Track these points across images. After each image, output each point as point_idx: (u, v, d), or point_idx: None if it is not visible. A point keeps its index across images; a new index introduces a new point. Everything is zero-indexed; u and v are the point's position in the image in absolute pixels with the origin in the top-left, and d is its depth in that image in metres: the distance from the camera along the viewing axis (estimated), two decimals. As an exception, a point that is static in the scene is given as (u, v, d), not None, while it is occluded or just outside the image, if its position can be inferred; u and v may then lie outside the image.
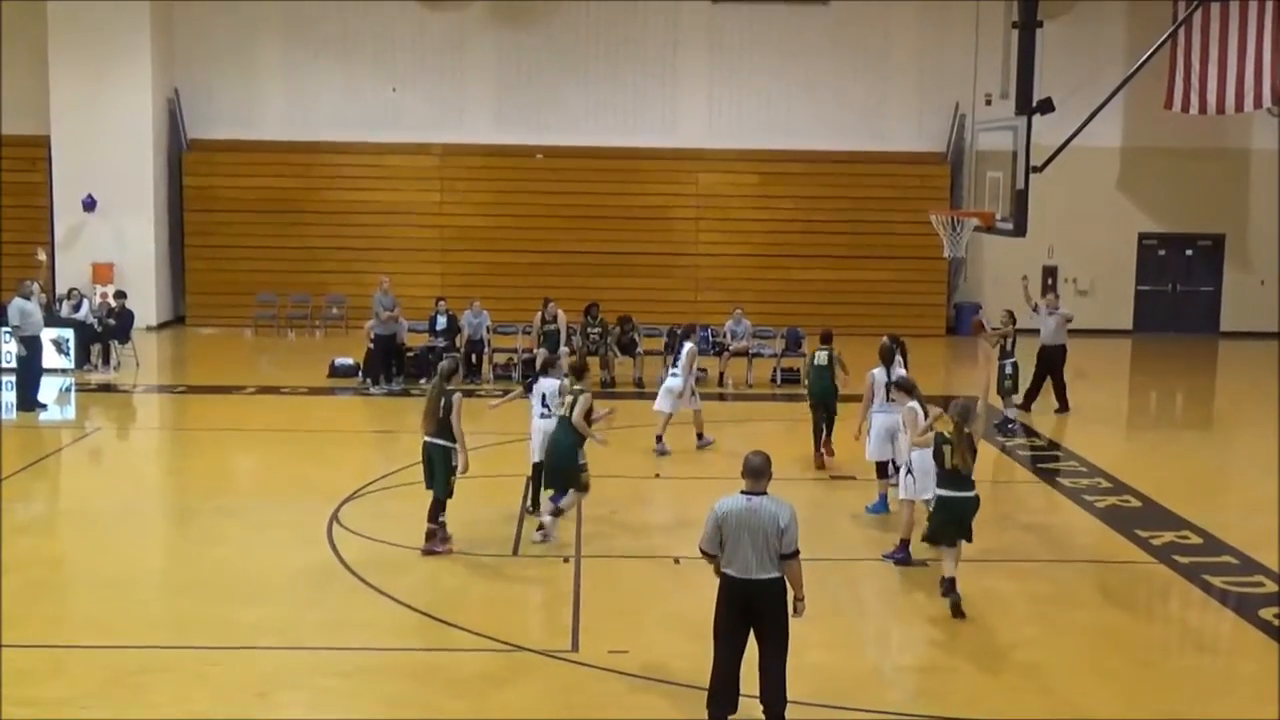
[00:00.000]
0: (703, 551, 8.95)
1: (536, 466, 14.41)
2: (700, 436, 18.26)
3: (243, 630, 10.97)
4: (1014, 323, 20.08)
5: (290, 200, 30.94)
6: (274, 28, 31.13)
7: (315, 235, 30.98)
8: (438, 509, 13.13)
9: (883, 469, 14.95)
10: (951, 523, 11.60)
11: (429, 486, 13.22)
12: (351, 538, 13.59)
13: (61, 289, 27.08)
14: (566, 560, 13.01)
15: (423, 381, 23.15)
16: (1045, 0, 18.47)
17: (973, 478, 11.63)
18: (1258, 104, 29.01)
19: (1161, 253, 32.64)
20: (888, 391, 14.72)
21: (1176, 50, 29.15)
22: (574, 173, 31.05)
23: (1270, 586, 12.59)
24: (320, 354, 25.41)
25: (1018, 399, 20.24)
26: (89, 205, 29.66)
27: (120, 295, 25.60)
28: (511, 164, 31.16)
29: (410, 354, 23.61)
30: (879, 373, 15.00)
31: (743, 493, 8.90)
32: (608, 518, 14.62)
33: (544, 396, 14.54)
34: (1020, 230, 17.16)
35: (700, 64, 31.48)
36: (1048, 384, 21.52)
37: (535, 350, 23.38)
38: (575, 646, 10.73)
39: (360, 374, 23.27)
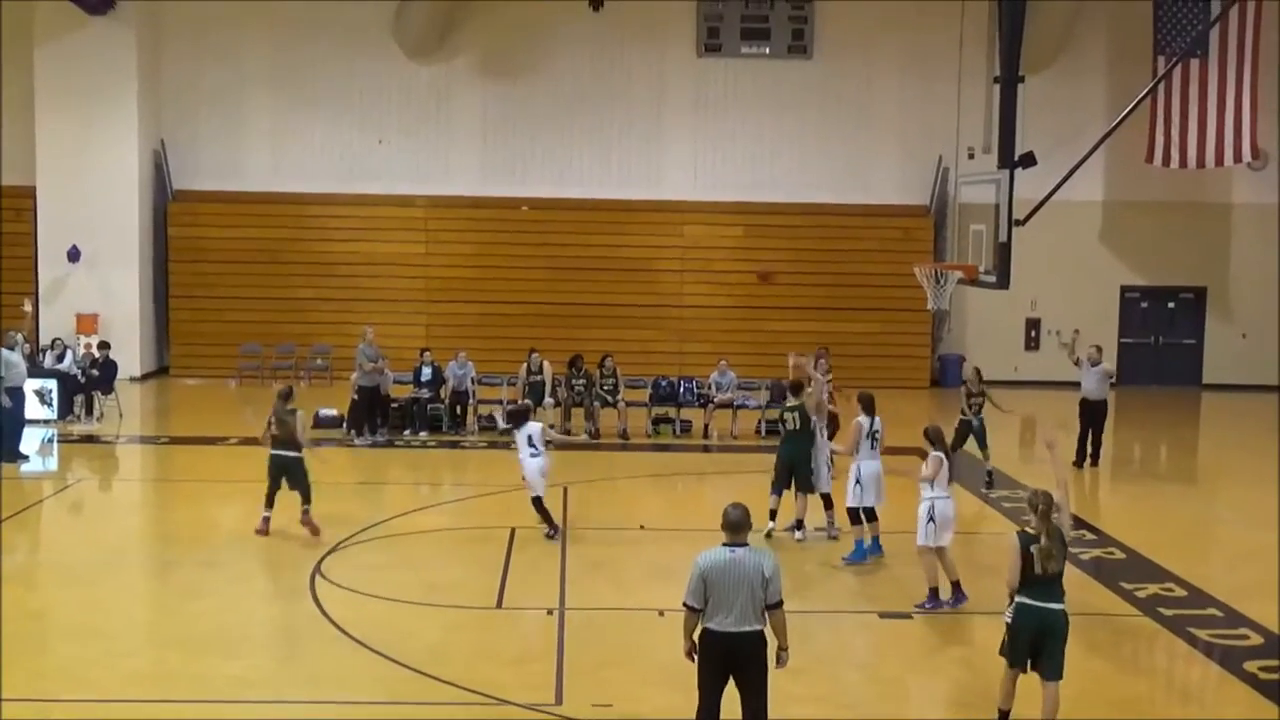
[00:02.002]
0: (687, 606, 8.88)
1: (536, 500, 15.78)
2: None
3: (224, 684, 10.89)
4: (981, 379, 19.79)
5: (275, 251, 30.97)
6: (260, 80, 31.26)
7: (300, 286, 30.99)
8: (306, 501, 15.65)
9: (856, 515, 15.01)
10: (1031, 637, 9.81)
11: (278, 488, 15.77)
12: (334, 590, 13.52)
13: (45, 339, 27.02)
14: (550, 613, 12.97)
15: (406, 433, 23.19)
16: (1027, 55, 18.66)
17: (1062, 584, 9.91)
18: (1237, 158, 29.32)
19: (1144, 305, 32.80)
20: (872, 440, 14.88)
21: (1157, 105, 29.42)
22: (559, 224, 31.15)
23: (1255, 639, 12.58)
24: (305, 405, 25.16)
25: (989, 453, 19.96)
26: (74, 256, 29.65)
27: (104, 346, 25.56)
28: (496, 216, 31.25)
29: (395, 405, 23.59)
30: (864, 420, 15.04)
31: (724, 545, 8.87)
32: (591, 570, 14.59)
33: (530, 438, 15.72)
34: (1003, 283, 17.26)
35: (685, 117, 31.67)
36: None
37: (520, 401, 23.38)
38: (559, 700, 10.67)
39: (344, 425, 23.23)
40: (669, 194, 31.56)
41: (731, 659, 8.78)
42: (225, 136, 31.30)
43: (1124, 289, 32.58)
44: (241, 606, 13.19)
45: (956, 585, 13.30)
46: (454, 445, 22.86)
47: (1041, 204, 17.34)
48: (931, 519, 13.08)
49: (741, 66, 31.50)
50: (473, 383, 24.04)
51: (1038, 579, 9.68)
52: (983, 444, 19.75)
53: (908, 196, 31.64)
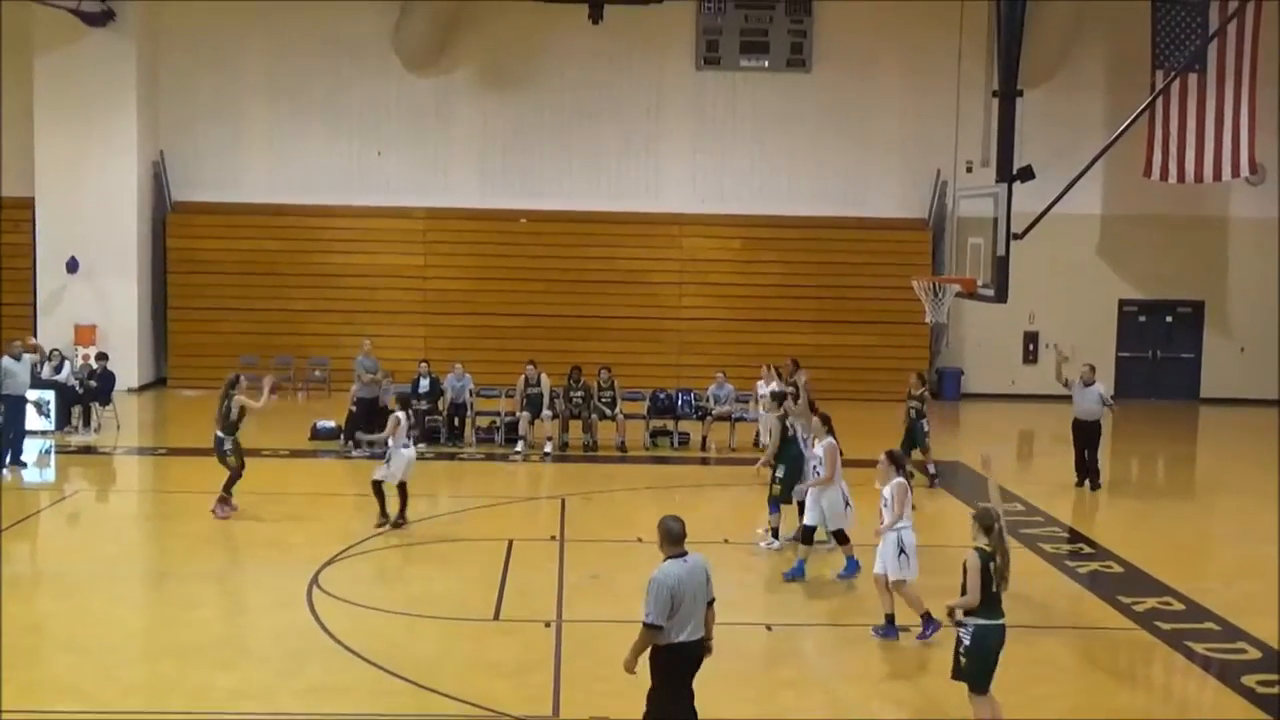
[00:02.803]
0: (653, 626, 8.69)
1: (384, 487, 16.83)
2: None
3: (221, 696, 10.88)
4: (924, 385, 20.92)
5: (274, 263, 30.98)
6: (259, 92, 31.30)
7: (298, 298, 31.00)
8: (234, 483, 17.42)
9: (843, 535, 14.93)
10: (991, 658, 9.74)
11: (227, 464, 17.46)
12: (332, 602, 13.51)
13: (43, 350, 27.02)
14: (548, 625, 12.95)
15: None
16: (1026, 69, 18.69)
17: None
18: (1235, 173, 29.35)
19: (1142, 319, 32.82)
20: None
21: (1155, 119, 29.46)
22: (557, 237, 31.18)
23: (1253, 653, 12.57)
24: (302, 416, 25.35)
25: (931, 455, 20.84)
26: (72, 267, 29.64)
27: (102, 357, 25.54)
28: (495, 228, 31.27)
29: (392, 417, 23.57)
30: (835, 441, 14.99)
31: (674, 558, 8.87)
32: (588, 582, 14.58)
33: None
34: (1001, 296, 17.26)
35: (684, 129, 31.71)
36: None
37: (518, 413, 23.40)
38: (556, 712, 10.66)
39: (342, 437, 23.22)
40: (667, 206, 31.59)
41: (692, 669, 8.85)
42: (224, 148, 31.32)
43: (1122, 303, 32.61)
44: (238, 618, 13.18)
45: (927, 616, 12.78)
46: (451, 457, 22.85)
47: (1039, 218, 17.35)
48: (902, 550, 12.65)
49: (740, 79, 31.55)
50: (471, 395, 24.03)
51: (994, 597, 9.64)
52: (922, 444, 20.47)
53: (906, 210, 31.68)
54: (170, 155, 31.00)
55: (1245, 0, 28.07)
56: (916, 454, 20.31)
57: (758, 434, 24.05)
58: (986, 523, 9.72)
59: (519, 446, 23.14)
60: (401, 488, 16.87)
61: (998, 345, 31.99)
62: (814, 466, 15.10)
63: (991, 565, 9.60)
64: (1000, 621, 9.66)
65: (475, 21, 31.03)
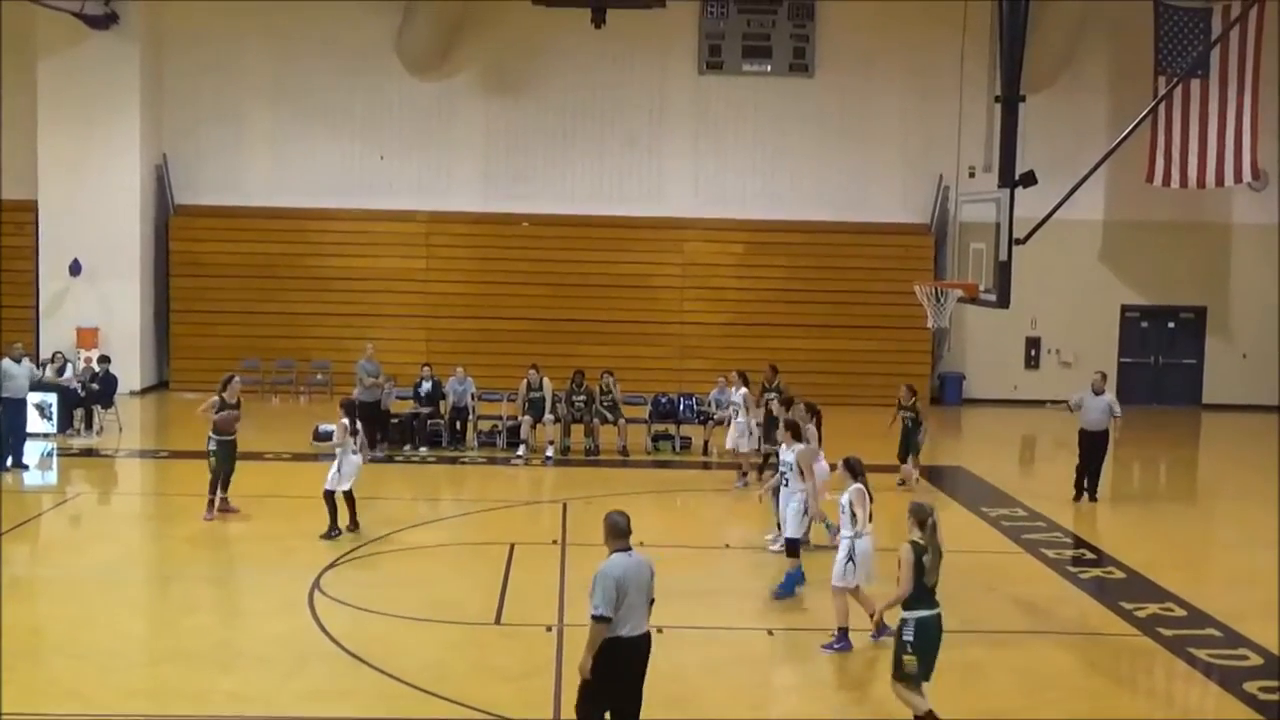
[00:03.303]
0: (601, 618, 8.72)
1: (336, 494, 16.56)
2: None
3: (222, 699, 10.87)
4: (915, 395, 21.09)
5: (276, 266, 31.00)
6: (262, 95, 31.32)
7: (301, 301, 31.01)
8: (214, 485, 17.48)
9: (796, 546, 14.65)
10: (935, 649, 10.13)
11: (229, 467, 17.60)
12: (333, 605, 13.50)
13: (46, 353, 27.04)
14: (549, 629, 12.94)
15: (406, 448, 23.17)
16: (1028, 74, 18.66)
17: None
18: (1238, 179, 29.37)
19: (1144, 325, 32.81)
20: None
21: (1158, 125, 29.46)
22: (560, 241, 31.18)
23: (1255, 659, 12.56)
24: (304, 420, 25.34)
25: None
26: (75, 269, 29.66)
27: (104, 360, 25.57)
28: (497, 231, 31.28)
29: (394, 420, 23.60)
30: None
31: (620, 551, 8.91)
32: (589, 586, 14.54)
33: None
34: (1003, 302, 17.24)
35: (686, 134, 31.72)
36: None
37: (520, 417, 23.40)
38: (558, 716, 10.64)
39: (344, 440, 23.20)
40: (670, 210, 31.59)
41: (637, 665, 8.83)
42: (227, 151, 31.34)
43: (1124, 308, 32.59)
44: (239, 621, 13.18)
45: (879, 622, 12.36)
46: (453, 461, 22.85)
47: (1042, 223, 17.32)
48: (851, 559, 12.46)
49: (743, 84, 31.55)
50: (473, 398, 24.02)
51: (927, 589, 10.03)
52: (915, 451, 20.79)
53: (908, 214, 31.67)
54: (173, 158, 31.02)
55: (1248, 6, 28.09)
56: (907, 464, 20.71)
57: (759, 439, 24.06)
58: (920, 517, 10.18)
59: (521, 450, 23.14)
60: (348, 495, 16.65)
61: (999, 351, 31.99)
62: (783, 473, 15.00)
63: (925, 558, 9.99)
64: (937, 611, 10.07)
65: (478, 25, 31.05)
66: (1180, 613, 14.14)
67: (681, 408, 24.69)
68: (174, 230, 31.01)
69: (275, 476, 21.00)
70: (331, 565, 15.11)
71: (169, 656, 12.12)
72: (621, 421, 23.69)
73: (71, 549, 17.03)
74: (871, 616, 11.89)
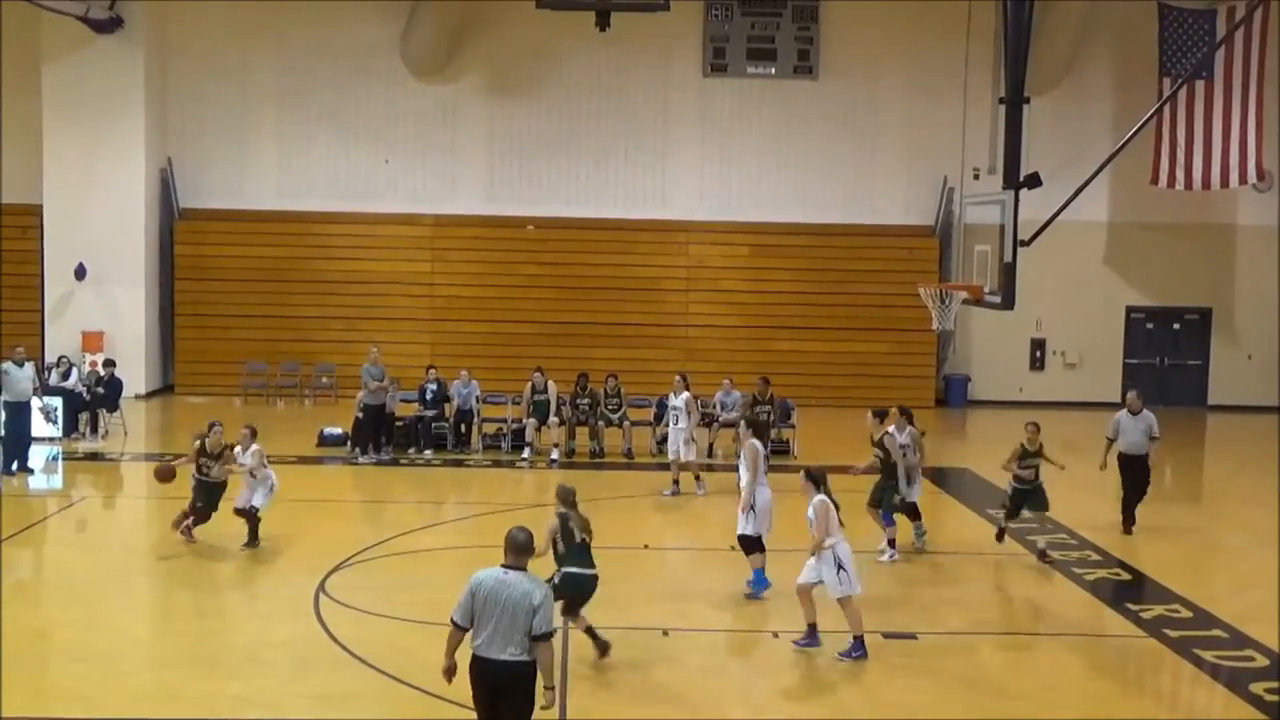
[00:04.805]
0: (453, 622, 8.58)
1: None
2: None
3: (228, 703, 10.88)
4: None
5: (281, 270, 31.02)
6: (267, 99, 31.35)
7: (305, 305, 31.03)
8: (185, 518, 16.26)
9: (754, 543, 14.49)
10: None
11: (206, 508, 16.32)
12: (338, 609, 13.51)
13: (51, 357, 27.06)
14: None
15: (411, 451, 23.18)
16: (1033, 76, 18.66)
17: None
18: (1243, 180, 29.36)
19: (1149, 326, 32.78)
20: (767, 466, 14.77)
21: (1162, 127, 29.44)
22: (565, 244, 31.19)
23: (1261, 661, 12.54)
24: (309, 423, 25.37)
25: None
26: (80, 274, 29.69)
27: (109, 364, 25.59)
28: (502, 235, 31.30)
29: (399, 424, 23.61)
30: (759, 444, 14.82)
31: (501, 566, 8.61)
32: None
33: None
34: (1008, 303, 17.25)
35: (691, 136, 31.72)
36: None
37: (525, 420, 23.41)
38: (562, 718, 10.64)
39: (349, 444, 23.24)
40: (674, 214, 31.59)
41: (497, 689, 8.45)
42: (232, 155, 31.37)
43: (1129, 310, 32.57)
44: (245, 625, 13.18)
45: (812, 628, 12.63)
46: (458, 464, 22.85)
47: (1046, 225, 17.32)
48: (842, 567, 12.29)
49: (747, 86, 31.56)
50: (477, 401, 24.03)
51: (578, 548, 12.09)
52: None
53: (913, 217, 31.66)
54: (178, 162, 31.06)
55: (1252, 7, 28.07)
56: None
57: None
58: (564, 496, 12.37)
59: (525, 453, 23.15)
60: (253, 512, 16.33)
61: (1004, 352, 31.97)
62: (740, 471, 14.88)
63: (572, 523, 12.24)
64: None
65: (482, 29, 31.08)
66: (1186, 614, 14.12)
67: (686, 410, 24.61)
68: (179, 234, 31.04)
69: (280, 480, 20.99)
70: (336, 569, 15.11)
71: (174, 660, 12.13)
72: (626, 424, 23.69)
73: (77, 553, 17.04)
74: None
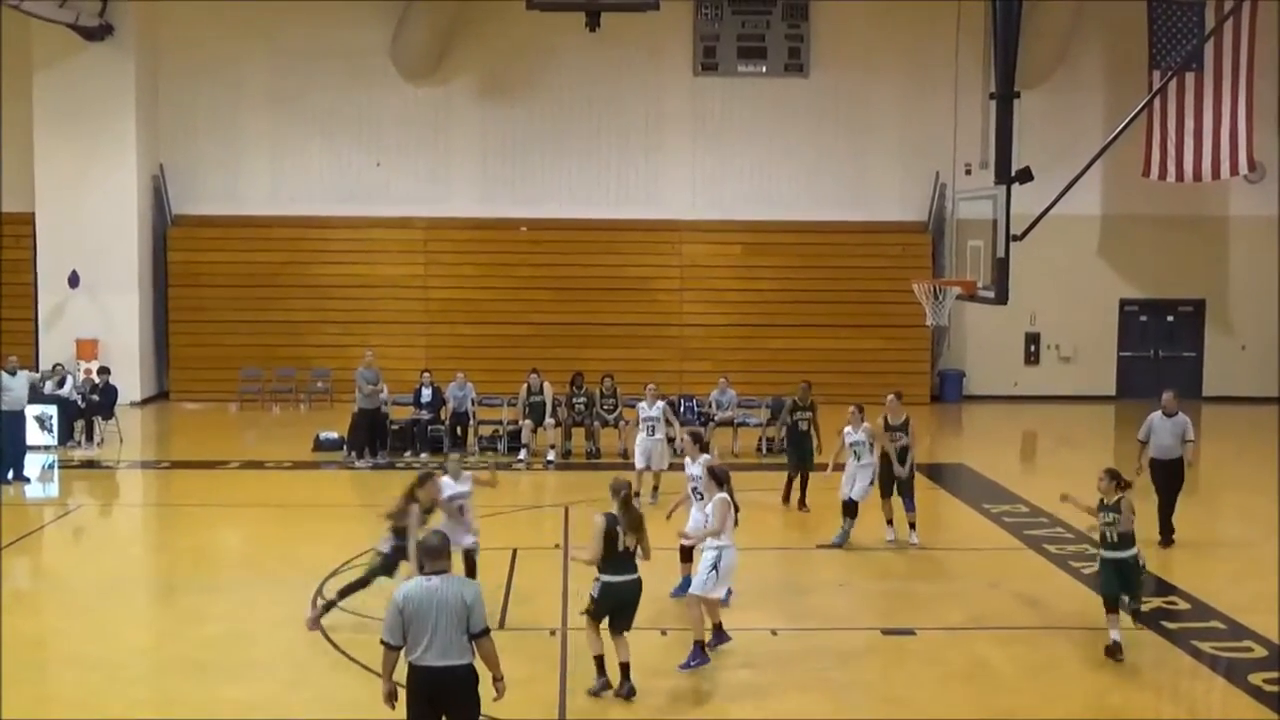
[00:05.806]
0: (384, 643, 8.43)
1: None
2: None
3: (228, 709, 10.88)
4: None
5: (275, 275, 31.01)
6: (259, 104, 31.33)
7: (300, 309, 31.01)
8: None
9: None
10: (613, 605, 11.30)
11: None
12: (337, 613, 13.46)
13: (45, 365, 27.03)
14: (552, 633, 12.94)
15: (407, 454, 23.16)
16: (1023, 71, 18.68)
17: None
18: (1234, 171, 29.39)
19: (1143, 319, 32.82)
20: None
21: (1153, 119, 29.48)
22: (558, 245, 31.18)
23: (1259, 652, 12.56)
24: (305, 428, 25.36)
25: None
26: (74, 281, 29.67)
27: (104, 371, 25.56)
28: (496, 237, 31.29)
29: (395, 427, 23.59)
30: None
31: (422, 574, 8.55)
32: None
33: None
34: (1002, 298, 17.25)
35: (683, 135, 31.73)
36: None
37: (521, 422, 23.40)
38: (562, 718, 10.64)
39: (345, 448, 23.23)
40: (667, 213, 31.60)
41: (440, 696, 8.36)
42: (224, 161, 31.35)
43: (1123, 302, 32.62)
44: (244, 631, 13.17)
45: (718, 628, 12.41)
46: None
47: (1039, 219, 17.32)
48: (715, 567, 12.09)
49: (738, 85, 31.57)
50: (473, 404, 24.02)
51: (619, 556, 11.11)
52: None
53: (906, 213, 31.68)
54: (170, 168, 31.03)
55: (1241, -1, 28.11)
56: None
57: (760, 440, 24.04)
58: (617, 490, 11.36)
59: (522, 455, 23.15)
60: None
61: (999, 347, 32.01)
62: (693, 487, 14.34)
63: (619, 528, 11.08)
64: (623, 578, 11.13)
65: (473, 31, 31.07)
66: (1184, 606, 14.15)
67: (682, 409, 24.64)
68: (172, 241, 31.03)
69: (276, 485, 21.02)
70: (334, 572, 15.09)
71: (174, 667, 12.12)
72: (622, 424, 23.69)
73: (74, 561, 17.04)
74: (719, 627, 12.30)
